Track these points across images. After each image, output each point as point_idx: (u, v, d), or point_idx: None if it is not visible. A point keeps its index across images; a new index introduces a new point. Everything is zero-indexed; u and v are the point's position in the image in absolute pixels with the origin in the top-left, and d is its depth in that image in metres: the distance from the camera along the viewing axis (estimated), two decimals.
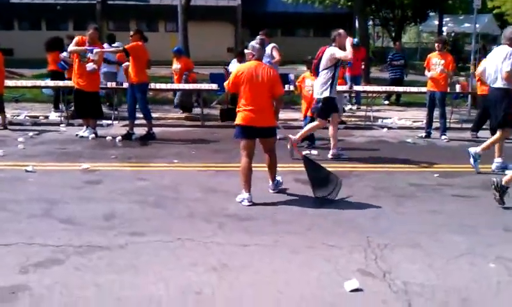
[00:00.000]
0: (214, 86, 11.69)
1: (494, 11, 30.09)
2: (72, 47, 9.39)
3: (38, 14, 30.48)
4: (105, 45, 13.90)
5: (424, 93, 12.52)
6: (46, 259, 4.22)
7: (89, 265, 4.15)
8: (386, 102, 15.13)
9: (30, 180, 6.62)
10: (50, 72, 12.89)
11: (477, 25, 22.73)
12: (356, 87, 12.59)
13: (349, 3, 27.81)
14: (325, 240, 4.76)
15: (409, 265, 4.28)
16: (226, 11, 31.40)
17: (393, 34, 29.90)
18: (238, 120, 5.90)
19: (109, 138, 9.40)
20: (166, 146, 9.07)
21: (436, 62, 9.98)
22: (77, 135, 9.51)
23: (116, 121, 11.34)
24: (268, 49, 9.65)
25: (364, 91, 12.67)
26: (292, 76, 11.32)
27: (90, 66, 9.21)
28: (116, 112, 11.64)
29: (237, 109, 5.96)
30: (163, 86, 12.36)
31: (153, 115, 12.65)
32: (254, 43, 5.99)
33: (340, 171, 7.42)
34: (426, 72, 10.27)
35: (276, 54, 9.58)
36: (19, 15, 30.46)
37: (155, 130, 9.85)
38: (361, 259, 4.36)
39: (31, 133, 9.70)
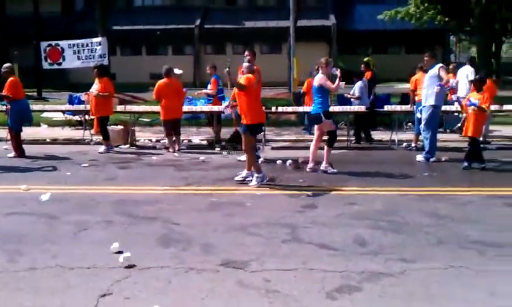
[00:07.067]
0: (363, 108, 11.66)
1: None
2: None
3: (138, 40, 31.86)
4: None
5: None
6: (341, 286, 4.30)
7: (390, 293, 4.20)
8: None
9: (247, 204, 6.83)
10: None
11: None
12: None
13: (447, 19, 27.34)
14: None
15: None
16: (319, 30, 31.63)
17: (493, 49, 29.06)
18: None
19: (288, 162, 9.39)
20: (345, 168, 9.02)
21: None
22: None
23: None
24: (435, 69, 9.48)
25: None
26: None
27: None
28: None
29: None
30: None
31: (302, 137, 12.83)
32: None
33: None
34: None
35: (443, 74, 9.38)
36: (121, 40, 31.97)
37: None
38: None
39: (202, 158, 10.06)
